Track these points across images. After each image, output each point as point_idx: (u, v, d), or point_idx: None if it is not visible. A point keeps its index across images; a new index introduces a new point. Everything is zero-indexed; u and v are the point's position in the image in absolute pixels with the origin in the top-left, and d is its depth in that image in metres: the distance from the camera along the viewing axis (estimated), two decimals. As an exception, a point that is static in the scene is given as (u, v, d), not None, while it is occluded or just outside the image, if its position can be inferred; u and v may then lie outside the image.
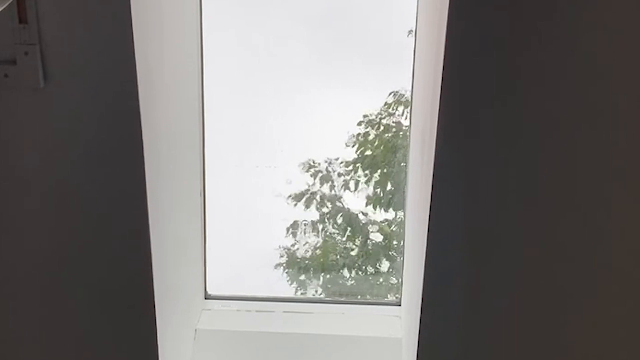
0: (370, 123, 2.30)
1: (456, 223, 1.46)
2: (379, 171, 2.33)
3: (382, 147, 2.32)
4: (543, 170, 1.41)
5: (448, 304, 1.51)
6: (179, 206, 1.80)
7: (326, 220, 2.37)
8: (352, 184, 2.36)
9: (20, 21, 1.35)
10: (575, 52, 1.32)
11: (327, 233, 2.38)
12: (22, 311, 1.60)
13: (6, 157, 1.46)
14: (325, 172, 2.33)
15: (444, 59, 1.33)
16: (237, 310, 2.01)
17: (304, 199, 2.33)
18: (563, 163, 1.40)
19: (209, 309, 2.01)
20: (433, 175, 1.41)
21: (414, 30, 1.95)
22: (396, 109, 2.30)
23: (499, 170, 1.42)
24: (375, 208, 2.35)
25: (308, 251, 2.35)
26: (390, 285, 2.30)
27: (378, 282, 2.33)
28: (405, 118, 2.28)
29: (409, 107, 2.09)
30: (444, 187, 1.42)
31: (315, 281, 2.37)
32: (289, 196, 2.31)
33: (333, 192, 2.36)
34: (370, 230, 2.36)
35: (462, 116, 1.38)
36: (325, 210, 2.37)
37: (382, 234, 2.36)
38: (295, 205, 2.32)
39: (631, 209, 1.43)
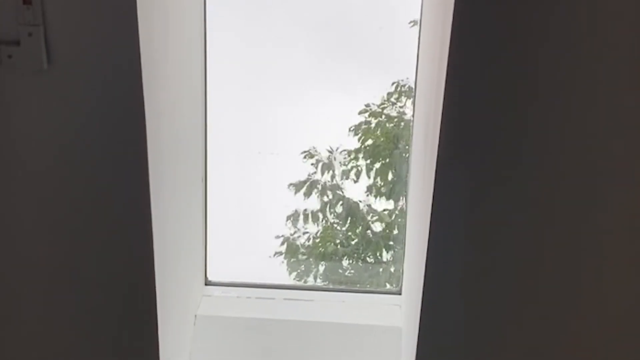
0: (372, 113, 2.30)
1: (458, 213, 1.46)
2: (380, 160, 2.34)
3: (384, 137, 2.32)
4: (546, 162, 1.41)
5: (449, 294, 1.52)
6: (181, 192, 1.79)
7: (327, 208, 2.37)
8: (353, 173, 2.36)
9: (25, 2, 1.34)
10: (584, 43, 1.32)
11: (328, 222, 2.38)
12: (24, 301, 1.60)
13: (8, 137, 1.46)
14: (326, 161, 2.33)
15: (449, 49, 1.32)
16: (237, 297, 2.01)
17: (304, 187, 2.33)
18: (565, 157, 1.40)
19: (209, 295, 2.02)
20: (436, 166, 1.41)
21: (416, 20, 1.94)
22: (398, 99, 2.29)
23: (502, 162, 1.42)
24: (376, 197, 2.35)
25: (308, 240, 2.35)
26: (389, 274, 2.31)
27: (378, 272, 2.34)
28: (403, 106, 2.28)
29: (413, 97, 2.09)
30: (447, 177, 1.42)
31: (314, 269, 2.37)
32: (290, 184, 2.31)
33: (334, 181, 2.36)
34: (371, 219, 2.36)
35: (467, 107, 1.38)
36: (326, 199, 2.37)
37: (382, 224, 2.36)
38: (296, 193, 2.33)
39: (630, 213, 1.43)
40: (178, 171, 1.74)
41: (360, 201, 2.37)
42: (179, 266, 1.79)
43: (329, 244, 2.37)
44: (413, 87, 2.04)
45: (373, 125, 2.31)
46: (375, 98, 2.29)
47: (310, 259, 2.35)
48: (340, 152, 2.33)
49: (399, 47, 2.09)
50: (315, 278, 2.36)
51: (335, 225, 2.40)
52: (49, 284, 1.58)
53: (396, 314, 1.97)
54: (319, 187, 2.35)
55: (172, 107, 1.64)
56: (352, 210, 2.37)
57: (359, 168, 2.35)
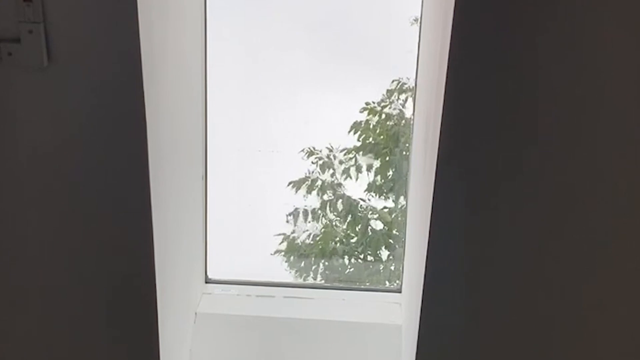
0: (372, 111, 2.30)
1: (458, 211, 1.46)
2: (380, 159, 2.34)
3: (384, 135, 2.33)
4: (546, 161, 1.41)
5: (449, 292, 1.52)
6: (181, 190, 1.79)
7: (327, 207, 2.37)
8: (352, 171, 2.37)
9: (25, -1, 1.35)
10: (586, 41, 1.32)
11: (328, 220, 2.38)
12: (24, 298, 1.60)
13: (8, 135, 1.46)
14: (326, 159, 2.33)
15: (450, 47, 1.32)
16: (237, 295, 2.01)
17: (305, 186, 2.34)
18: (565, 155, 1.40)
19: (210, 293, 2.02)
20: (436, 164, 1.41)
21: (416, 18, 1.94)
22: (398, 97, 2.29)
23: (503, 160, 1.42)
24: (376, 196, 2.36)
25: (309, 238, 2.35)
26: (389, 272, 2.31)
27: (378, 269, 2.34)
28: (403, 104, 2.28)
29: (413, 96, 2.09)
30: (447, 176, 1.41)
31: (314, 267, 2.38)
32: (291, 182, 2.32)
33: (334, 179, 2.37)
34: (371, 217, 2.36)
35: (467, 105, 1.38)
36: (326, 197, 2.37)
37: (382, 222, 2.36)
38: (297, 191, 2.33)
39: (631, 214, 1.43)
40: (178, 169, 1.74)
41: (360, 199, 2.37)
42: (179, 264, 1.79)
43: (329, 242, 2.37)
44: (413, 85, 2.04)
45: (373, 123, 2.31)
46: (376, 96, 2.29)
47: (311, 257, 2.35)
48: (341, 150, 2.33)
49: (400, 45, 2.09)
50: (315, 276, 2.37)
51: (335, 224, 2.40)
52: (49, 282, 1.58)
53: (396, 312, 1.97)
54: (319, 185, 2.35)
55: (172, 104, 1.64)
56: (352, 209, 2.38)
57: (359, 166, 2.36)
